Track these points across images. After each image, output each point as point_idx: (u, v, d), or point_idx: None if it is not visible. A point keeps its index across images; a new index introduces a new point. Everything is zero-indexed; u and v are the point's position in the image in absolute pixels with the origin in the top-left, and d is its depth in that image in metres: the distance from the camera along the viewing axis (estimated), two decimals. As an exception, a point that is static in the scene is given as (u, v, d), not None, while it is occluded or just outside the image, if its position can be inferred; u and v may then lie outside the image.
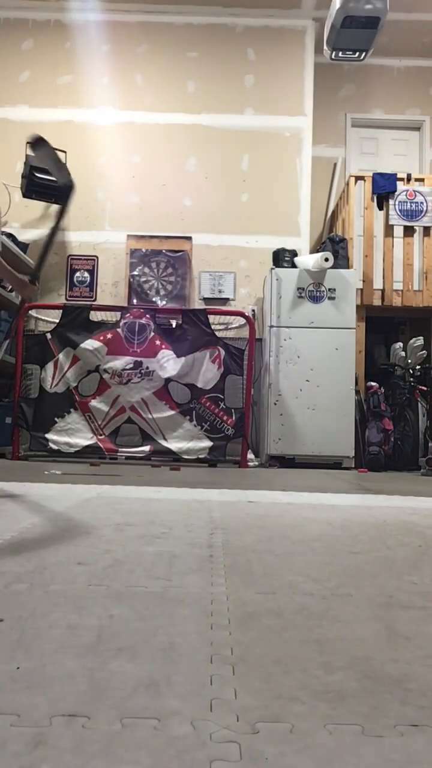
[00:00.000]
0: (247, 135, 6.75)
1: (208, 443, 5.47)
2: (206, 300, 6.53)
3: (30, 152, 5.35)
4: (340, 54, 5.75)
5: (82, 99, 6.76)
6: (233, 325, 6.23)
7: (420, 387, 5.98)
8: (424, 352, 6.05)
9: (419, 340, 6.08)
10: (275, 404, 5.72)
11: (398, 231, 6.44)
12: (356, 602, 1.22)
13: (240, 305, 6.47)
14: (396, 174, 6.45)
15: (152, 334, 5.60)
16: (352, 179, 6.50)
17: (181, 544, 1.72)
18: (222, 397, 5.52)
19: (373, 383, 5.92)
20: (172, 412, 5.48)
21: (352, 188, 6.47)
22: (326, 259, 5.76)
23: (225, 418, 5.52)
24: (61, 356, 5.56)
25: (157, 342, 5.57)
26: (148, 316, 5.66)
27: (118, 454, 5.45)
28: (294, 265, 6.02)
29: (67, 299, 6.49)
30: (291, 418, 5.69)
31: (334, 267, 5.82)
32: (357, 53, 5.74)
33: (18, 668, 0.85)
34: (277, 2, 6.62)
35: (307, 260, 5.93)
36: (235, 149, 6.73)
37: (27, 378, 5.58)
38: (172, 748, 0.65)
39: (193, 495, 2.96)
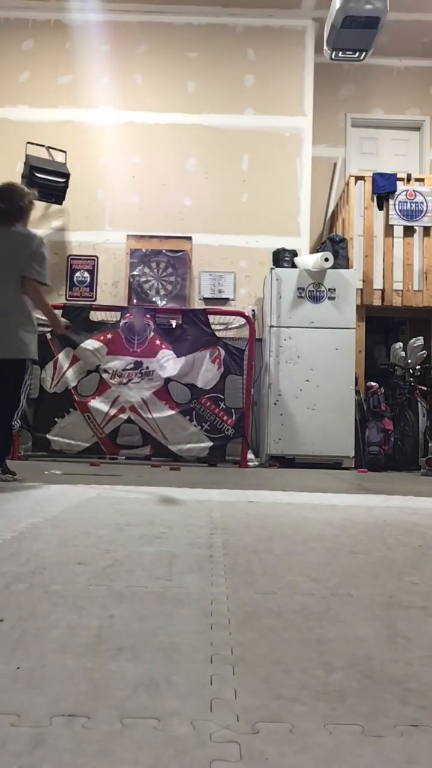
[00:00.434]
0: (247, 135, 6.75)
1: (208, 443, 5.47)
2: (206, 300, 6.53)
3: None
4: (340, 54, 5.74)
5: (82, 99, 6.76)
6: (233, 325, 6.23)
7: (420, 387, 5.97)
8: (424, 352, 6.05)
9: (419, 340, 6.08)
10: (275, 404, 5.72)
11: (398, 231, 6.43)
12: (356, 602, 1.22)
13: (240, 305, 6.47)
14: (396, 174, 6.45)
15: (152, 334, 5.60)
16: (352, 179, 6.50)
17: (181, 544, 1.72)
18: (222, 397, 5.52)
19: (373, 383, 5.92)
20: (172, 412, 5.48)
21: (352, 188, 6.47)
22: (326, 259, 5.76)
23: (225, 418, 5.52)
24: (60, 356, 5.56)
25: (157, 342, 5.58)
26: (148, 316, 5.66)
27: (119, 454, 5.45)
28: (294, 265, 6.02)
29: (67, 299, 6.49)
30: (291, 418, 5.69)
31: (334, 267, 5.82)
32: (357, 53, 5.74)
33: (18, 668, 0.85)
34: (277, 2, 6.62)
35: (307, 260, 5.93)
36: (235, 149, 6.73)
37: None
38: (172, 748, 0.65)
39: (193, 495, 2.96)
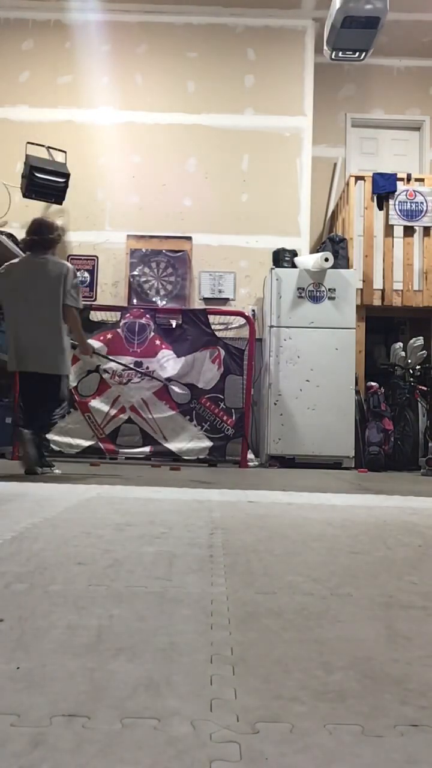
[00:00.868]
0: (247, 135, 6.75)
1: (208, 443, 5.47)
2: (206, 300, 6.53)
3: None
4: (340, 54, 5.75)
5: (82, 99, 6.76)
6: (233, 325, 6.23)
7: (420, 387, 5.98)
8: (424, 352, 6.05)
9: (419, 340, 6.08)
10: (275, 404, 5.72)
11: (398, 231, 6.44)
12: (356, 602, 1.22)
13: (240, 305, 6.47)
14: (396, 174, 6.45)
15: (152, 334, 5.60)
16: (352, 179, 6.50)
17: (181, 544, 1.72)
18: (222, 397, 5.52)
19: (373, 383, 5.92)
20: (172, 412, 5.48)
21: (352, 188, 6.47)
22: (326, 259, 5.76)
23: (225, 418, 5.52)
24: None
25: (157, 342, 5.58)
26: (148, 316, 5.66)
27: (119, 454, 5.45)
28: (294, 265, 6.02)
29: (67, 299, 6.48)
30: (291, 418, 5.69)
31: (334, 267, 5.82)
32: (357, 53, 5.74)
33: (18, 668, 0.85)
34: (277, 2, 6.62)
35: (307, 260, 5.93)
36: (235, 149, 6.73)
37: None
38: (172, 748, 0.65)
39: (193, 495, 2.96)
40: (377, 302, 6.30)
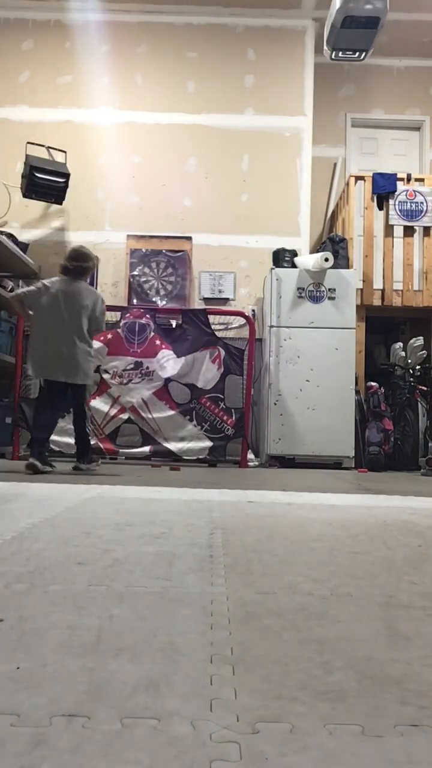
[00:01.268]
0: (247, 135, 6.75)
1: (208, 443, 5.47)
2: (206, 300, 6.53)
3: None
4: (340, 54, 5.75)
5: (82, 99, 6.76)
6: (233, 325, 6.23)
7: (420, 387, 5.98)
8: (424, 352, 6.05)
9: (419, 340, 6.08)
10: (275, 404, 5.72)
11: (398, 231, 6.44)
12: (356, 602, 1.22)
13: (240, 305, 6.47)
14: (396, 174, 6.45)
15: (152, 334, 5.60)
16: (352, 179, 6.51)
17: (181, 544, 1.72)
18: (222, 397, 5.52)
19: (373, 383, 5.92)
20: (172, 412, 5.48)
21: (352, 188, 6.47)
22: (326, 259, 5.76)
23: (225, 418, 5.52)
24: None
25: (157, 342, 5.58)
26: (148, 316, 5.66)
27: (118, 454, 5.45)
28: (294, 265, 6.02)
29: (67, 299, 6.48)
30: (291, 418, 5.69)
31: (334, 267, 5.82)
32: (357, 53, 5.74)
33: (18, 668, 0.85)
34: (277, 2, 6.62)
35: (307, 260, 5.93)
36: (235, 149, 6.73)
37: (27, 378, 5.57)
38: (172, 748, 0.65)
39: (193, 495, 2.96)
40: (377, 302, 6.30)
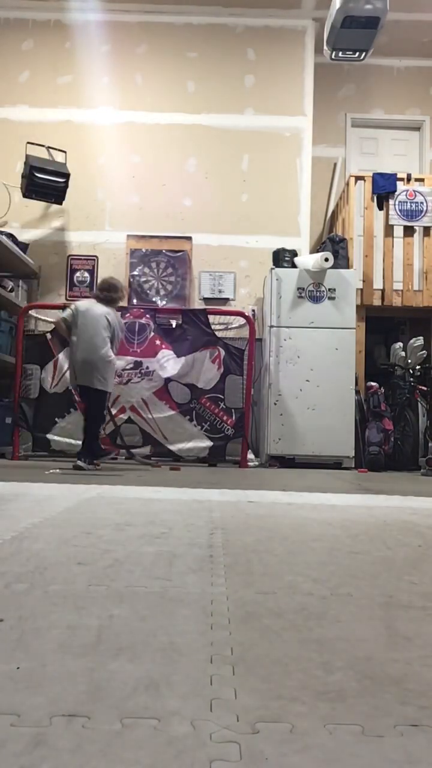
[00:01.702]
0: (247, 135, 6.75)
1: (208, 443, 5.47)
2: (206, 300, 6.53)
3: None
4: (340, 54, 5.74)
5: (82, 99, 6.76)
6: (233, 325, 6.23)
7: (420, 387, 5.97)
8: (424, 352, 6.04)
9: (419, 340, 6.07)
10: (275, 404, 5.72)
11: (398, 231, 6.43)
12: (356, 602, 1.22)
13: (240, 305, 6.47)
14: (396, 174, 6.45)
15: (152, 334, 5.60)
16: (352, 179, 6.50)
17: (181, 544, 1.72)
18: (222, 397, 5.52)
19: (373, 383, 5.91)
20: (172, 412, 5.48)
21: (352, 188, 6.47)
22: (326, 259, 5.76)
23: (225, 418, 5.52)
24: (60, 356, 5.56)
25: (157, 342, 5.57)
26: (148, 316, 5.66)
27: (119, 454, 5.45)
28: (294, 265, 6.01)
29: (67, 299, 6.49)
30: (291, 418, 5.69)
31: (334, 267, 5.82)
32: (357, 53, 5.74)
33: (18, 668, 0.85)
34: (277, 2, 6.62)
35: (307, 260, 5.93)
36: (235, 149, 6.73)
37: (27, 378, 5.58)
38: (172, 748, 0.65)
39: (193, 495, 2.96)
40: (377, 302, 6.30)
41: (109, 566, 1.43)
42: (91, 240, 6.66)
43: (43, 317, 6.36)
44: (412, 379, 6.03)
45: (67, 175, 6.20)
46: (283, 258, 6.09)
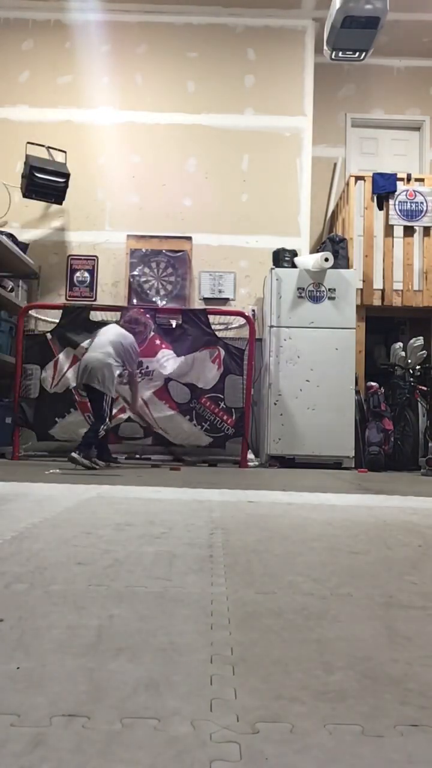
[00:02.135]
0: (247, 135, 6.75)
1: (208, 441, 5.48)
2: (206, 300, 6.53)
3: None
4: (340, 54, 5.74)
5: (82, 99, 6.76)
6: (233, 325, 6.23)
7: (420, 387, 5.97)
8: (424, 352, 6.04)
9: (419, 340, 6.07)
10: (275, 404, 5.72)
11: (398, 231, 6.43)
12: (356, 602, 1.22)
13: (240, 305, 6.47)
14: (396, 174, 6.45)
15: (152, 334, 5.60)
16: (352, 179, 6.50)
17: (181, 544, 1.72)
18: (222, 396, 5.52)
19: (373, 383, 5.91)
20: (172, 412, 5.48)
21: (352, 188, 6.47)
22: (326, 259, 5.76)
23: (225, 417, 5.52)
24: (61, 356, 5.56)
25: (157, 342, 5.57)
26: (148, 316, 5.66)
27: (121, 443, 5.47)
28: (294, 265, 6.01)
29: (67, 299, 6.49)
30: (291, 418, 5.69)
31: (334, 267, 5.82)
32: (357, 53, 5.73)
33: (18, 668, 0.85)
34: (277, 2, 6.62)
35: (307, 260, 5.93)
36: (235, 149, 6.73)
37: (27, 378, 5.57)
38: (172, 748, 0.65)
39: (193, 495, 2.96)
40: (377, 302, 6.30)
41: (109, 566, 1.43)
42: (91, 240, 6.66)
43: (43, 317, 6.37)
44: (412, 379, 6.03)
45: (67, 175, 6.20)
46: (283, 258, 6.09)
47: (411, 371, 6.04)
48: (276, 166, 6.71)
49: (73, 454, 4.48)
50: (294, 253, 6.16)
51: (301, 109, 6.78)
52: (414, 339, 6.12)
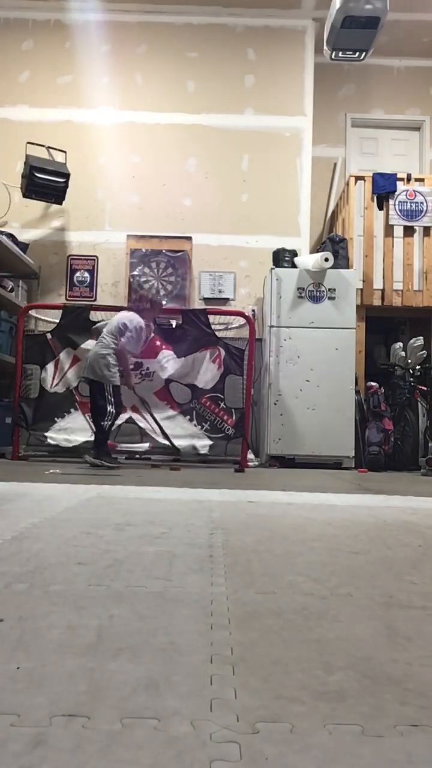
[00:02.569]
0: (247, 135, 6.75)
1: (208, 443, 5.47)
2: (206, 300, 6.53)
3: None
4: (340, 54, 5.74)
5: (82, 99, 6.76)
6: (233, 325, 6.22)
7: (420, 387, 5.97)
8: (424, 352, 6.04)
9: (419, 340, 6.07)
10: (275, 404, 5.72)
11: (398, 231, 6.43)
12: (356, 602, 1.22)
13: (240, 305, 6.47)
14: (396, 174, 6.45)
15: (152, 334, 5.60)
16: (352, 179, 6.50)
17: (181, 544, 1.72)
18: (222, 397, 5.52)
19: (373, 383, 5.91)
20: (173, 413, 5.48)
21: (352, 188, 6.47)
22: (326, 259, 5.75)
23: (225, 418, 5.52)
24: (61, 356, 5.56)
25: (158, 342, 5.57)
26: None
27: (118, 448, 5.44)
28: (294, 265, 6.01)
29: (67, 299, 6.49)
30: (291, 418, 5.69)
31: (334, 267, 5.82)
32: (357, 53, 5.73)
33: (18, 668, 0.85)
34: (277, 2, 6.62)
35: (307, 260, 5.93)
36: (235, 149, 6.73)
37: (27, 378, 5.57)
38: (172, 748, 0.65)
39: (193, 495, 2.96)
40: (377, 302, 6.30)
41: (109, 566, 1.43)
42: (91, 240, 6.66)
43: (43, 317, 6.37)
44: (412, 379, 6.03)
45: (67, 175, 6.20)
46: (283, 258, 6.09)
47: (411, 371, 6.05)
48: (276, 166, 6.71)
49: (86, 457, 4.68)
50: (294, 253, 6.16)
51: (301, 109, 6.78)
52: (414, 339, 6.12)
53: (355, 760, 0.64)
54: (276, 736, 0.68)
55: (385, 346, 7.05)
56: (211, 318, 5.75)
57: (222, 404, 5.52)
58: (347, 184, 6.62)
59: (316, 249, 6.66)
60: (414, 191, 6.38)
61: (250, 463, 5.54)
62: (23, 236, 6.48)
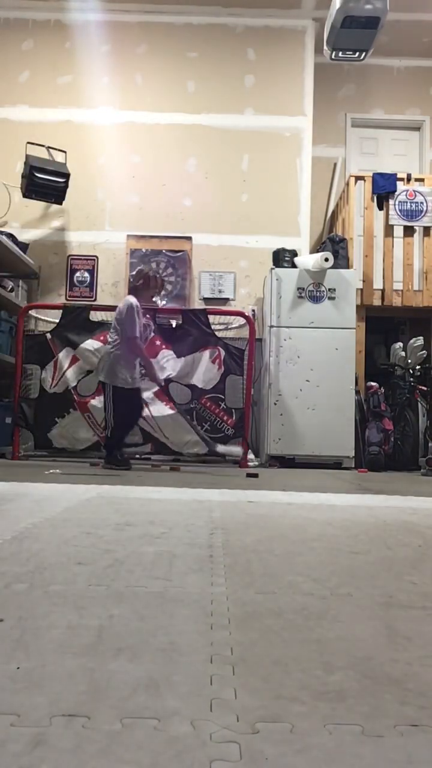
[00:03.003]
0: (247, 135, 6.75)
1: (207, 443, 5.47)
2: (206, 300, 6.53)
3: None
4: (340, 54, 5.74)
5: (82, 99, 6.76)
6: (233, 325, 6.23)
7: (420, 387, 5.97)
8: (424, 352, 6.04)
9: (419, 340, 6.07)
10: (275, 404, 5.72)
11: (398, 231, 6.43)
12: (356, 602, 1.22)
13: (240, 305, 6.47)
14: (396, 174, 6.45)
15: (152, 334, 5.60)
16: (352, 179, 6.50)
17: (181, 544, 1.72)
18: (222, 397, 5.52)
19: (373, 383, 5.91)
20: (172, 412, 5.48)
21: (352, 188, 6.47)
22: (326, 259, 5.76)
23: (225, 418, 5.52)
24: (61, 356, 5.56)
25: (158, 342, 5.57)
26: (148, 316, 5.65)
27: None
28: (294, 265, 6.01)
29: (67, 299, 6.49)
30: (291, 418, 5.69)
31: (334, 267, 5.82)
32: (357, 53, 5.73)
33: (18, 668, 0.85)
34: (277, 2, 6.62)
35: (307, 260, 5.93)
36: (235, 149, 6.73)
37: (27, 378, 5.57)
38: (172, 748, 0.65)
39: (193, 495, 2.96)
40: (377, 302, 6.30)
41: (109, 566, 1.43)
42: (91, 240, 6.66)
43: (43, 317, 6.37)
44: (412, 379, 6.03)
45: (67, 175, 6.20)
46: (283, 258, 6.09)
47: (411, 371, 6.05)
48: (276, 166, 6.71)
49: (104, 465, 4.60)
50: (294, 253, 6.16)
51: (301, 109, 6.78)
52: (414, 339, 6.12)
53: (355, 760, 0.64)
54: (276, 736, 0.68)
55: (385, 346, 7.05)
56: (211, 318, 5.76)
57: (222, 404, 5.52)
58: (347, 184, 6.62)
59: (316, 249, 6.66)
60: (414, 191, 6.38)
61: (250, 463, 5.55)
62: (23, 236, 6.48)
